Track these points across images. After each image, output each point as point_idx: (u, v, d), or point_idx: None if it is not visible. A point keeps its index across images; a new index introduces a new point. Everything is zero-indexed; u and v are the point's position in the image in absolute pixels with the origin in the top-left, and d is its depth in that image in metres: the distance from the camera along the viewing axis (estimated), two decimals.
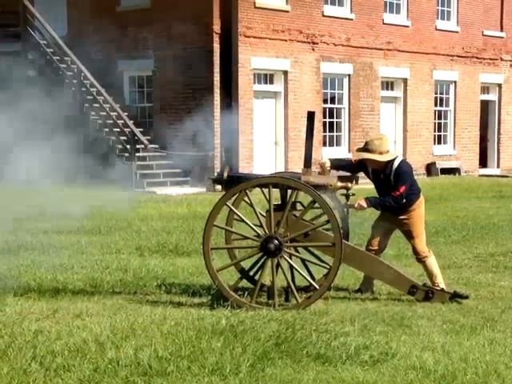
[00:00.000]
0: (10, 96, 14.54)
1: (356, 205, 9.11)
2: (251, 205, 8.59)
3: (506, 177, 30.80)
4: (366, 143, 9.23)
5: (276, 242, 8.42)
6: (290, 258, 8.73)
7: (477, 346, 7.13)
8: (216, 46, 24.35)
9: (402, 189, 9.03)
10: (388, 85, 29.72)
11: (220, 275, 8.59)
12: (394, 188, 9.06)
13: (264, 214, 8.67)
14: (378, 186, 9.38)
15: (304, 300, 8.53)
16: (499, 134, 33.73)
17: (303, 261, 9.20)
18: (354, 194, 9.19)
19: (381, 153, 9.13)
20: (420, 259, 9.37)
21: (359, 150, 9.40)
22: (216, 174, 10.24)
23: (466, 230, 14.70)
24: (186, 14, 24.50)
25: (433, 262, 9.35)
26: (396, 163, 9.17)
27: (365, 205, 9.10)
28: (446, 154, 31.53)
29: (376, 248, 9.32)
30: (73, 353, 6.57)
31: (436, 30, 30.77)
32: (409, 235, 9.35)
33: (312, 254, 9.44)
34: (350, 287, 9.63)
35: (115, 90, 25.97)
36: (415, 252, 9.38)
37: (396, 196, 9.03)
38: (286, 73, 26.12)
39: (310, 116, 8.77)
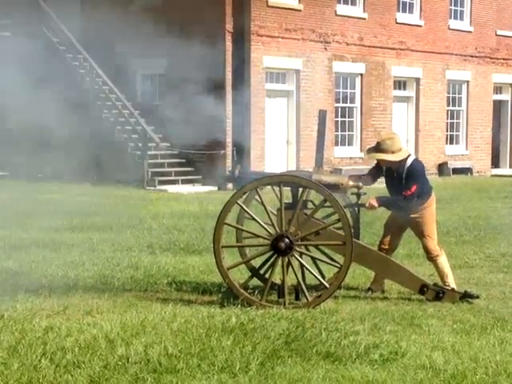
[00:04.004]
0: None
1: (367, 204, 9.09)
2: (262, 203, 8.59)
3: None
4: (378, 143, 9.18)
5: (287, 240, 8.42)
6: (301, 257, 8.73)
7: (487, 346, 7.11)
8: (228, 45, 24.35)
9: (414, 188, 9.00)
10: (400, 84, 29.67)
11: (230, 273, 8.60)
12: (405, 187, 9.03)
13: (275, 213, 8.67)
14: (389, 185, 9.34)
15: (314, 299, 8.52)
16: None
17: (314, 259, 9.21)
18: (365, 193, 9.17)
19: (393, 152, 9.08)
20: (431, 258, 9.35)
21: (370, 150, 9.36)
22: (227, 172, 10.25)
23: (478, 230, 14.66)
24: (199, 13, 24.50)
25: (444, 262, 9.32)
26: (409, 162, 9.14)
27: (376, 204, 9.08)
28: (458, 153, 31.45)
29: (388, 247, 9.32)
30: (83, 349, 6.59)
31: (449, 29, 30.69)
32: (420, 234, 9.32)
33: (323, 252, 9.44)
34: (361, 286, 9.62)
35: (128, 88, 26.01)
36: (426, 251, 9.34)
37: (407, 195, 9.00)
38: (298, 72, 26.09)
39: (322, 115, 8.77)
